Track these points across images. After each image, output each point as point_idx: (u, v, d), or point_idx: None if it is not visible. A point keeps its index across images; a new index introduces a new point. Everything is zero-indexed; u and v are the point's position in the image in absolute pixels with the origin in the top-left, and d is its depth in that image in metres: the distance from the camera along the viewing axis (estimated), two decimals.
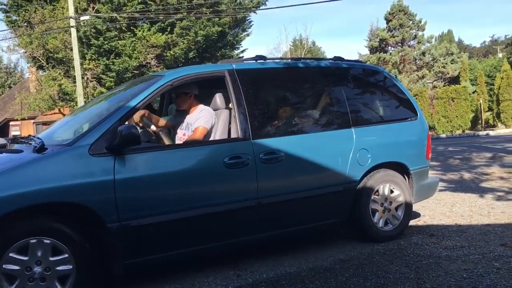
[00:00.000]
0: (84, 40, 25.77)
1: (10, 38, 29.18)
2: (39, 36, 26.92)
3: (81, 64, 23.36)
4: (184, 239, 3.59)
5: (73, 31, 22.50)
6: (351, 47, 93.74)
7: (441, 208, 5.80)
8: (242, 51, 38.21)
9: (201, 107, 4.32)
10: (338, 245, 4.50)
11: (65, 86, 25.07)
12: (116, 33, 26.34)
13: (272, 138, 3.98)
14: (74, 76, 22.94)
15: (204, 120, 4.16)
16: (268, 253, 4.34)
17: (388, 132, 4.61)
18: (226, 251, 4.13)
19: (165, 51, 27.99)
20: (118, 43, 26.33)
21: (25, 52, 28.41)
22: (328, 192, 4.18)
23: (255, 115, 3.95)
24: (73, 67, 22.45)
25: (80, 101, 21.47)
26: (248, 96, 3.96)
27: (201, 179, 3.61)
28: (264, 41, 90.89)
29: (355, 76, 4.80)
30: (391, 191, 4.53)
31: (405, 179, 4.68)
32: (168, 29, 27.31)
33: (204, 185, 3.62)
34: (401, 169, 4.63)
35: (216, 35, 28.82)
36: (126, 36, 26.67)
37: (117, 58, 26.46)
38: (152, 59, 27.83)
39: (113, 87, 26.39)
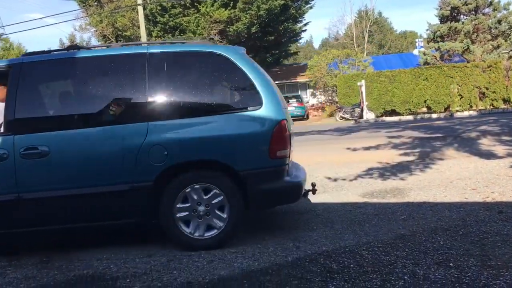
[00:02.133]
0: (150, 18, 26.40)
1: (82, 17, 30.47)
2: (109, 14, 27.89)
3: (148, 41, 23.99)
4: None
5: (140, 9, 23.10)
6: (420, 17, 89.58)
7: None
8: (305, 24, 37.54)
9: None
10: (400, 220, 4.44)
11: None
12: (180, 9, 26.71)
13: (38, 133, 3.89)
14: None
15: None
16: (328, 228, 4.38)
17: (202, 125, 3.91)
18: None
19: (228, 26, 28.09)
20: (183, 20, 26.74)
21: (96, 31, 29.62)
22: (108, 191, 3.83)
23: (25, 109, 3.94)
24: None
25: None
26: (22, 90, 3.94)
27: None
28: (328, 13, 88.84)
29: (174, 63, 4.11)
30: (211, 195, 3.90)
31: (234, 181, 3.94)
32: (231, 4, 27.33)
33: None
34: (225, 169, 3.92)
35: (278, 8, 28.51)
36: (190, 13, 26.99)
37: (181, 34, 26.92)
38: (215, 34, 28.06)
39: None
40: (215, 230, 3.93)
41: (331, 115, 28.96)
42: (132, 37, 27.53)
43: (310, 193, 4.57)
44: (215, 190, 3.89)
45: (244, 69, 4.04)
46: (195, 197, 3.89)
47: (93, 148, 3.88)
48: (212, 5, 26.48)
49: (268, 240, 4.10)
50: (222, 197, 3.89)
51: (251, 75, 4.02)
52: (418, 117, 22.90)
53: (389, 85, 24.26)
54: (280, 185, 3.97)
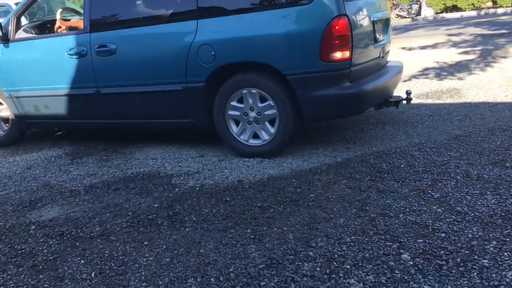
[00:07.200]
0: None
1: None
2: None
3: None
4: (48, 110, 4.57)
5: None
6: None
7: None
8: None
9: None
10: (455, 121, 4.29)
11: None
12: None
13: (106, 31, 4.09)
14: None
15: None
16: (379, 129, 4.31)
17: (248, 23, 3.56)
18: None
19: None
20: None
21: None
22: (166, 90, 3.91)
23: (96, 8, 4.13)
24: None
25: None
26: None
27: (52, 64, 4.35)
28: None
29: None
30: (261, 100, 3.67)
31: (284, 87, 3.59)
32: None
33: (54, 69, 4.34)
34: (273, 73, 3.57)
35: None
36: None
37: None
38: None
39: None
40: (267, 138, 3.75)
41: None
42: None
43: (405, 102, 4.15)
44: (266, 96, 3.64)
45: None
46: (246, 102, 3.72)
47: (152, 46, 3.93)
48: None
49: (317, 140, 4.10)
50: (271, 103, 3.64)
51: None
52: (482, 12, 21.23)
53: None
54: (336, 92, 3.51)
